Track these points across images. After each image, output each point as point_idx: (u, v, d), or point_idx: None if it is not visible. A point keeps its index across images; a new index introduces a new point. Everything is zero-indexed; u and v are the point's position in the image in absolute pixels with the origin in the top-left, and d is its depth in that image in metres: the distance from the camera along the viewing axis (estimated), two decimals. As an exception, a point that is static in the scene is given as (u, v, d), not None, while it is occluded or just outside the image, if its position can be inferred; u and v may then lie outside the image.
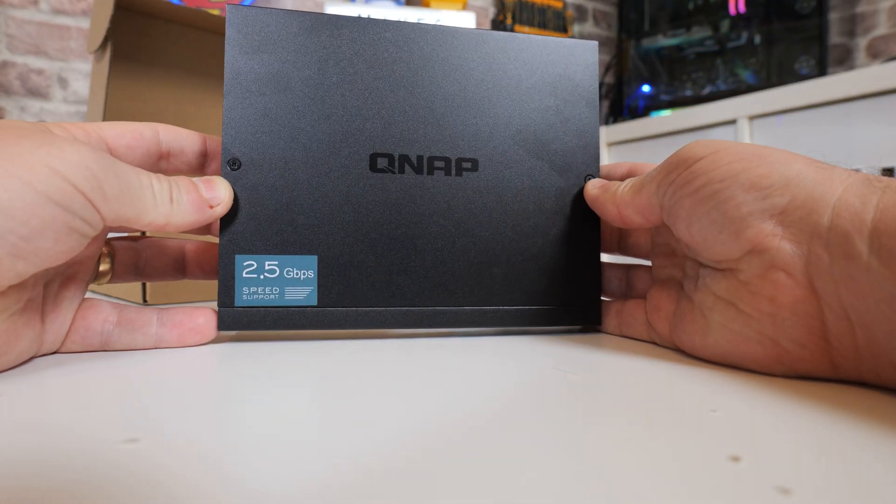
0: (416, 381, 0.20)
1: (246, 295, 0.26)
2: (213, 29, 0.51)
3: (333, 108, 0.27)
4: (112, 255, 0.27)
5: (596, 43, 0.31)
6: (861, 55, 1.68)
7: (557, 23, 1.85)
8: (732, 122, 1.38)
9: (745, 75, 1.71)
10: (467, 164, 0.28)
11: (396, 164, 0.27)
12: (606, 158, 1.69)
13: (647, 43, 1.91)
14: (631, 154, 1.64)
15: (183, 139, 0.27)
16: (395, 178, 0.27)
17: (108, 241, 0.27)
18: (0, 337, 0.20)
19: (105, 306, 0.24)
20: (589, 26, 2.06)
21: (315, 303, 0.26)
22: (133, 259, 0.28)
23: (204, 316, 0.25)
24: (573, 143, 0.30)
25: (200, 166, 0.28)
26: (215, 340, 0.27)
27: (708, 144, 0.23)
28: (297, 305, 0.26)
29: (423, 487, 0.12)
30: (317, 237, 0.26)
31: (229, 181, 0.26)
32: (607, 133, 1.69)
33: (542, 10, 1.83)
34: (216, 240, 0.28)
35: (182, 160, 0.27)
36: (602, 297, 0.30)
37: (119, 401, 0.18)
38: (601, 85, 2.01)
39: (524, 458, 0.13)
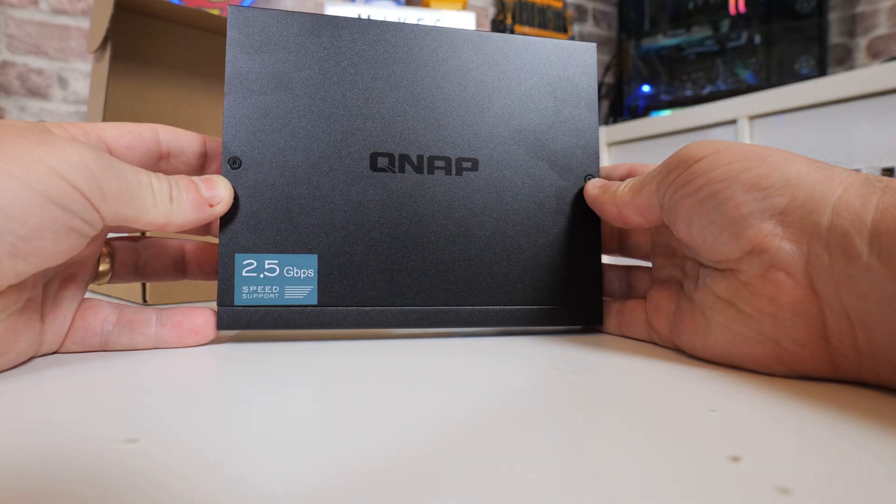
0: (416, 380, 0.20)
1: (246, 294, 0.26)
2: (213, 29, 0.51)
3: (334, 107, 0.27)
4: (112, 256, 0.27)
5: (594, 45, 0.31)
6: (861, 55, 1.68)
7: (557, 23, 1.85)
8: (732, 122, 1.38)
9: (745, 75, 1.71)
10: (467, 164, 0.28)
11: (397, 163, 0.28)
12: (606, 158, 1.69)
13: (647, 43, 1.91)
14: (631, 154, 1.64)
15: (183, 140, 0.27)
16: (395, 178, 0.27)
17: (108, 242, 0.27)
18: (0, 336, 0.20)
19: (104, 306, 0.24)
20: (589, 26, 2.06)
21: (315, 302, 0.26)
22: (133, 259, 0.28)
23: (203, 316, 0.25)
24: (572, 142, 0.30)
25: (200, 167, 0.28)
26: (215, 340, 0.27)
27: (708, 144, 0.23)
28: (296, 304, 0.26)
29: (423, 487, 0.12)
30: (317, 236, 0.26)
31: (229, 180, 0.26)
32: (607, 133, 1.69)
33: (542, 10, 1.83)
34: (216, 240, 0.28)
35: (182, 161, 0.27)
36: (602, 298, 0.30)
37: (119, 401, 0.18)
38: (601, 85, 2.01)
39: (524, 459, 0.13)
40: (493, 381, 0.20)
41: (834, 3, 1.67)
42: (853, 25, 1.69)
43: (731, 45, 1.73)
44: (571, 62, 0.30)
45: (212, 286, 0.33)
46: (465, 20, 1.52)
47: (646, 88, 1.92)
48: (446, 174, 0.28)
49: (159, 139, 0.26)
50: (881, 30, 1.64)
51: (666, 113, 1.73)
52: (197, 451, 0.14)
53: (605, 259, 0.32)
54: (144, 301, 0.38)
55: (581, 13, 2.04)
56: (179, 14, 0.50)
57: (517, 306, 0.28)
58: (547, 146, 0.29)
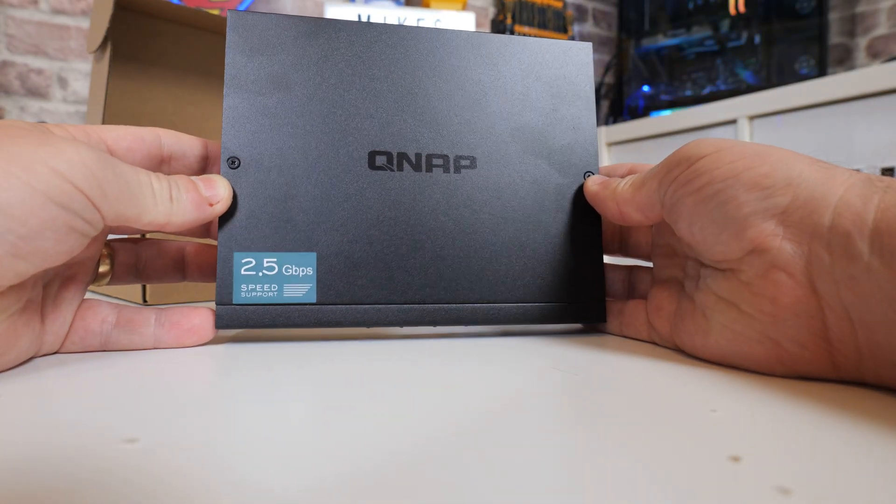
0: (415, 380, 0.20)
1: (244, 292, 0.26)
2: (213, 29, 0.51)
3: (332, 107, 0.27)
4: (112, 257, 0.27)
5: (590, 44, 0.31)
6: (861, 55, 1.68)
7: (557, 23, 1.85)
8: (732, 122, 1.38)
9: (745, 75, 1.71)
10: (465, 162, 0.28)
11: (395, 161, 0.28)
12: (606, 158, 1.69)
13: (647, 43, 1.91)
14: (631, 154, 1.64)
15: (185, 144, 0.27)
16: (393, 176, 0.28)
17: (108, 243, 0.27)
18: (0, 337, 0.20)
19: (104, 307, 0.24)
20: (589, 26, 2.06)
21: (314, 300, 0.26)
22: (133, 260, 0.28)
23: (200, 316, 0.25)
24: (571, 140, 0.30)
25: (202, 171, 0.28)
26: (215, 340, 0.27)
27: (710, 143, 0.23)
28: (295, 303, 0.26)
29: (423, 487, 0.12)
30: (316, 234, 0.26)
31: (228, 180, 0.26)
32: (607, 133, 1.69)
33: (542, 9, 1.83)
34: (216, 242, 0.28)
35: (184, 164, 0.27)
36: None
37: (119, 401, 0.18)
38: (601, 85, 2.01)
39: (524, 459, 0.13)
40: (493, 380, 0.20)
41: (834, 3, 1.67)
42: (853, 25, 1.69)
43: (731, 45, 1.73)
44: (568, 61, 0.30)
45: (212, 286, 0.33)
46: (464, 20, 1.52)
47: (646, 88, 1.92)
48: (444, 172, 0.28)
49: (161, 143, 0.26)
50: (881, 30, 1.64)
51: (666, 113, 1.73)
52: (197, 451, 0.14)
53: (606, 259, 0.32)
54: (144, 301, 0.38)
55: (581, 13, 2.04)
56: (179, 14, 0.50)
57: (519, 303, 0.28)
58: (545, 143, 0.29)
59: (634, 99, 1.94)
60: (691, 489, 0.12)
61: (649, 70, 1.90)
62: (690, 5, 1.81)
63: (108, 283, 0.27)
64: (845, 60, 1.70)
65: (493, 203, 0.28)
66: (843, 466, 0.13)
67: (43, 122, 0.31)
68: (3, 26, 1.22)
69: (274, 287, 0.26)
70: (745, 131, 1.35)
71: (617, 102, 2.01)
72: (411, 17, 1.49)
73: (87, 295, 0.25)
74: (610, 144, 1.70)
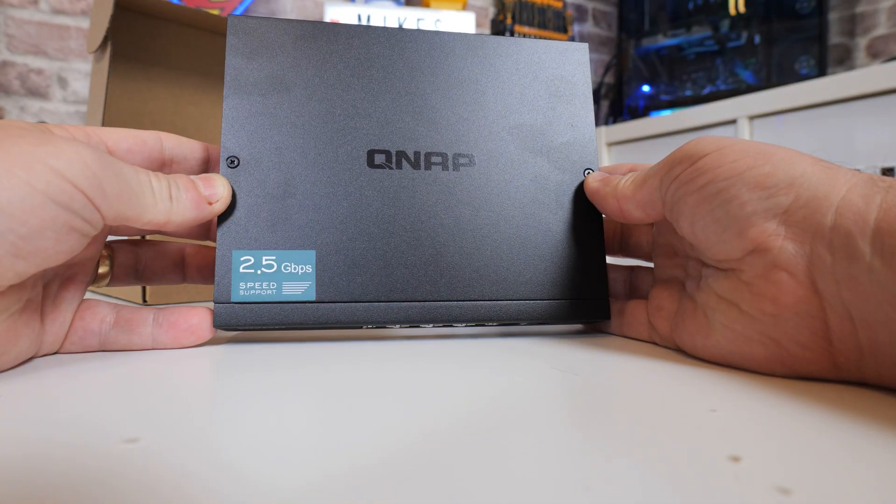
0: (416, 380, 0.20)
1: (243, 290, 0.26)
2: (213, 29, 0.51)
3: (330, 107, 0.28)
4: (111, 258, 0.27)
5: (587, 44, 0.31)
6: (861, 55, 1.68)
7: (557, 23, 1.85)
8: (732, 122, 1.38)
9: (745, 75, 1.71)
10: (464, 160, 0.28)
11: (394, 159, 0.28)
12: (606, 158, 1.69)
13: (647, 43, 1.91)
14: (631, 154, 1.64)
15: (185, 147, 0.27)
16: (392, 174, 0.28)
17: (108, 244, 0.27)
18: (0, 336, 0.20)
19: (102, 307, 0.24)
20: (589, 26, 2.06)
21: (313, 297, 0.26)
22: (132, 261, 0.28)
23: (198, 316, 0.25)
24: (570, 138, 0.30)
25: (202, 174, 0.28)
26: (215, 341, 0.27)
27: (713, 141, 0.23)
28: (295, 301, 0.26)
29: (422, 486, 0.12)
30: (315, 232, 0.26)
31: (228, 179, 0.26)
32: (607, 133, 1.69)
33: (542, 9, 1.83)
34: (216, 244, 0.28)
35: (184, 168, 0.27)
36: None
37: (118, 401, 0.18)
38: (601, 85, 2.01)
39: (524, 458, 0.13)
40: (493, 380, 0.20)
41: (834, 3, 1.67)
42: (853, 25, 1.69)
43: (731, 45, 1.73)
44: (565, 61, 0.31)
45: (212, 288, 0.33)
46: (464, 20, 1.52)
47: (646, 88, 1.92)
48: (443, 170, 0.28)
49: (162, 146, 0.26)
50: (881, 30, 1.64)
51: (666, 113, 1.73)
52: (197, 451, 0.14)
53: (607, 259, 0.32)
54: (144, 302, 0.38)
55: (581, 13, 2.04)
56: (179, 14, 0.50)
57: (520, 301, 0.28)
58: (544, 141, 0.30)
59: (634, 99, 1.94)
60: (691, 489, 0.12)
61: (649, 70, 1.90)
62: (690, 5, 1.81)
63: (108, 284, 0.27)
64: (845, 60, 1.70)
65: (492, 200, 0.28)
66: (843, 466, 0.13)
67: (43, 122, 0.31)
68: (3, 26, 1.22)
69: (273, 285, 0.26)
70: (744, 131, 1.35)
71: (617, 102, 2.01)
72: (411, 16, 1.49)
73: (88, 295, 0.25)
74: (610, 144, 1.70)
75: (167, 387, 0.19)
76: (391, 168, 0.28)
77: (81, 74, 1.29)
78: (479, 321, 0.27)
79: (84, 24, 1.29)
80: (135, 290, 0.39)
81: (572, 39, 1.89)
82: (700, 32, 1.79)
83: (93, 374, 0.21)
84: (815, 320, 0.19)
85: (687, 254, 0.26)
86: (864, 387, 0.19)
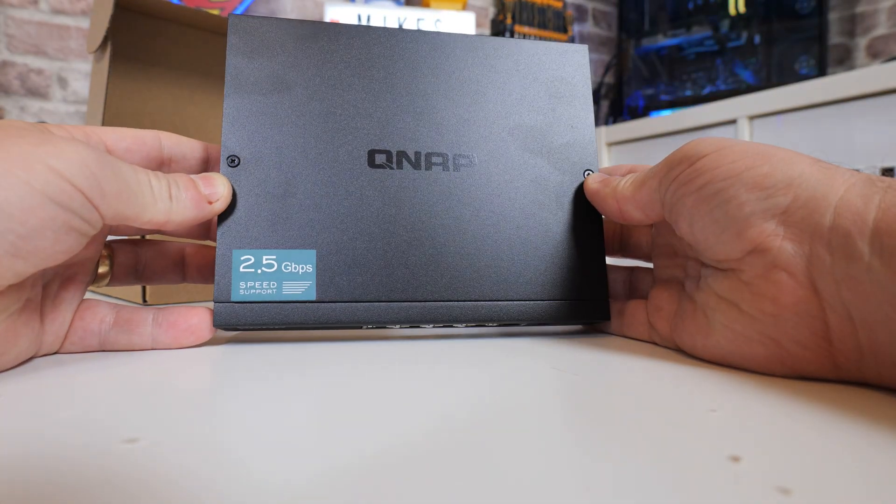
0: (415, 380, 0.20)
1: (243, 290, 0.25)
2: (213, 29, 0.51)
3: (331, 107, 0.28)
4: (111, 258, 0.27)
5: (586, 46, 0.32)
6: (861, 55, 1.68)
7: (557, 23, 1.85)
8: (732, 122, 1.38)
9: (745, 75, 1.71)
10: (465, 160, 0.29)
11: (394, 159, 0.28)
12: (606, 158, 1.69)
13: (647, 43, 1.91)
14: (631, 154, 1.64)
15: (185, 146, 0.27)
16: (393, 174, 0.28)
17: (108, 244, 0.27)
18: (0, 336, 0.20)
19: (102, 307, 0.24)
20: (589, 26, 2.06)
21: (314, 297, 0.26)
22: (132, 261, 0.28)
23: (198, 316, 0.25)
24: (570, 139, 0.30)
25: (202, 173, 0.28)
26: (214, 341, 0.27)
27: (711, 142, 0.23)
28: (295, 300, 0.26)
29: (422, 487, 0.12)
30: (315, 232, 0.26)
31: (228, 178, 0.26)
32: (607, 133, 1.69)
33: (542, 9, 1.83)
34: (216, 244, 0.28)
35: (184, 167, 0.27)
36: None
37: (118, 401, 0.18)
38: (601, 85, 2.01)
39: (524, 458, 0.13)
40: (493, 380, 0.20)
41: (834, 3, 1.67)
42: (853, 25, 1.69)
43: (731, 45, 1.73)
44: (565, 63, 0.31)
45: (212, 287, 0.33)
46: (464, 20, 1.52)
47: (646, 88, 1.92)
48: (444, 170, 0.28)
49: (161, 145, 0.26)
50: (881, 30, 1.64)
51: (666, 113, 1.73)
52: (197, 451, 0.14)
53: (607, 260, 0.32)
54: (144, 302, 0.38)
55: (581, 13, 2.04)
56: (179, 14, 0.50)
57: (520, 301, 0.28)
58: (544, 142, 0.30)
59: (634, 99, 1.94)
60: (691, 489, 0.12)
61: (649, 70, 1.90)
62: (690, 5, 1.81)
63: (108, 284, 0.27)
64: (845, 60, 1.70)
65: (493, 200, 0.28)
66: (843, 466, 0.13)
67: (43, 122, 0.31)
68: (3, 26, 1.22)
69: (273, 284, 0.26)
70: (744, 131, 1.35)
71: (617, 102, 2.01)
72: (411, 16, 1.49)
73: (87, 295, 0.25)
74: (610, 144, 1.70)
75: (167, 387, 0.19)
76: (392, 168, 0.28)
77: (81, 74, 1.29)
78: (480, 321, 0.27)
79: (84, 24, 1.29)
80: (135, 290, 0.39)
81: (572, 39, 1.89)
82: (700, 32, 1.79)
83: (92, 374, 0.21)
84: (815, 320, 0.19)
85: (686, 254, 0.26)
86: (864, 387, 0.19)
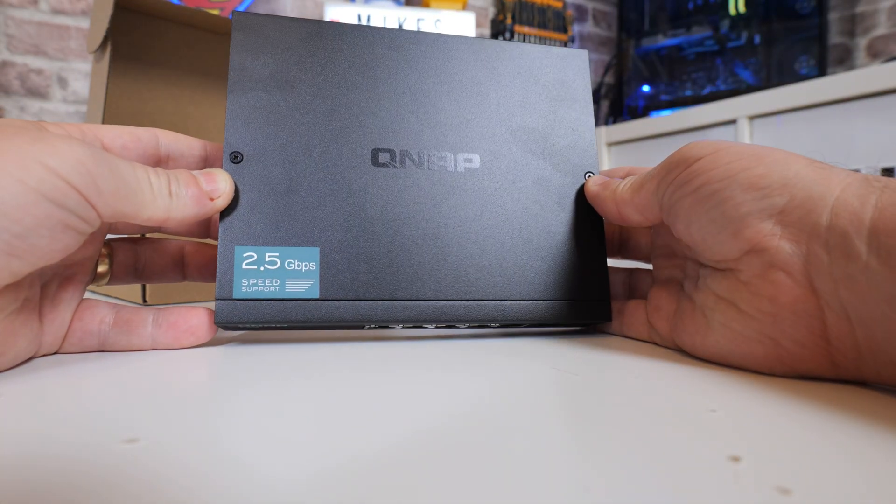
0: (416, 379, 0.20)
1: (245, 287, 0.25)
2: (213, 29, 0.51)
3: (335, 105, 0.28)
4: (111, 256, 0.27)
5: (586, 51, 0.32)
6: (861, 55, 1.68)
7: (557, 23, 1.85)
8: (732, 122, 1.38)
9: (745, 75, 1.71)
10: (468, 160, 0.29)
11: (398, 158, 0.28)
12: (606, 158, 1.69)
13: (647, 43, 1.91)
14: (631, 154, 1.64)
15: (183, 144, 0.27)
16: (397, 173, 0.28)
17: (107, 242, 0.27)
18: (-1, 336, 0.20)
19: (102, 307, 0.24)
20: (589, 26, 2.06)
21: (317, 295, 0.26)
22: (132, 260, 0.27)
23: (198, 317, 0.25)
24: (571, 141, 0.30)
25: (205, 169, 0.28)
26: (214, 341, 0.27)
27: (707, 144, 0.23)
28: (298, 298, 0.26)
29: (422, 486, 0.12)
30: (319, 229, 0.26)
31: (231, 174, 0.26)
32: (607, 133, 1.69)
33: (542, 9, 1.83)
34: (216, 242, 0.28)
35: (182, 165, 0.27)
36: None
37: (118, 401, 0.17)
38: (601, 85, 2.01)
39: (523, 458, 0.13)
40: (493, 380, 0.20)
41: (834, 3, 1.67)
42: (853, 25, 1.69)
43: (731, 45, 1.73)
44: (566, 67, 0.31)
45: (213, 286, 0.33)
46: (464, 20, 1.52)
47: (646, 88, 1.92)
48: (448, 170, 0.28)
49: (159, 142, 0.26)
50: (881, 30, 1.64)
51: (666, 113, 1.73)
52: (197, 451, 0.14)
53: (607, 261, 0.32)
54: (144, 301, 0.38)
55: (581, 13, 2.04)
56: (179, 14, 0.50)
57: (523, 301, 0.28)
58: (546, 144, 0.30)
59: (634, 99, 1.94)
60: (691, 489, 0.12)
61: (649, 70, 1.90)
62: (690, 5, 1.81)
63: (108, 283, 0.27)
64: (845, 60, 1.70)
65: (496, 201, 0.29)
66: (843, 466, 0.13)
67: (41, 121, 0.31)
68: (3, 26, 1.22)
69: (276, 282, 0.25)
70: (744, 131, 1.35)
71: (617, 102, 2.01)
72: (411, 16, 1.49)
73: (87, 295, 0.25)
74: (610, 144, 1.70)
75: (167, 387, 0.19)
76: (395, 167, 0.28)
77: (81, 74, 1.29)
78: (482, 321, 0.27)
79: (84, 24, 1.29)
80: (135, 290, 0.39)
81: (572, 39, 1.89)
82: (700, 32, 1.79)
83: (92, 374, 0.21)
84: (813, 319, 0.19)
85: (685, 255, 0.26)
86: (864, 386, 0.19)
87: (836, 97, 1.18)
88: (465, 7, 1.62)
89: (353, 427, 0.15)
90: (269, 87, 0.27)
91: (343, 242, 0.26)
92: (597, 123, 1.92)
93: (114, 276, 0.27)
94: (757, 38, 1.69)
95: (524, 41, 1.78)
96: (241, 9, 1.46)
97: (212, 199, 0.24)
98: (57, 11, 1.27)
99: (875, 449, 0.14)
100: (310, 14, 1.58)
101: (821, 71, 1.57)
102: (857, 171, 0.20)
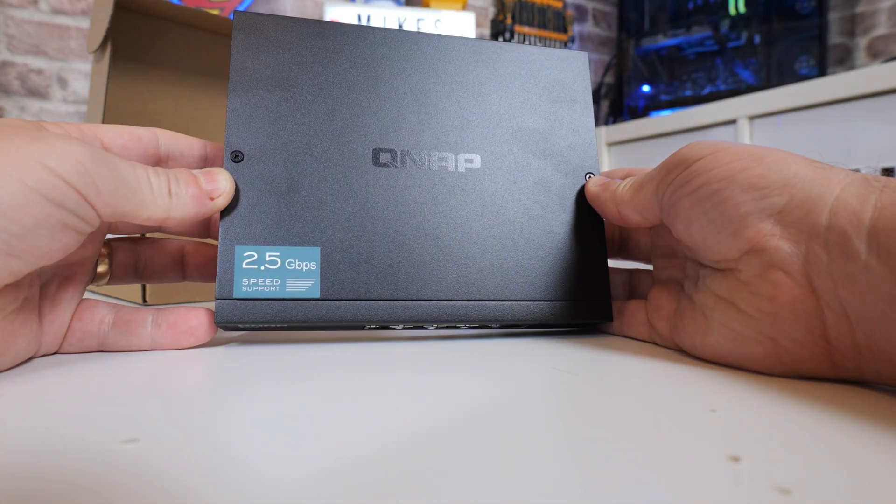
0: (416, 380, 0.20)
1: (245, 286, 0.25)
2: (213, 29, 0.51)
3: (336, 105, 0.28)
4: (110, 256, 0.27)
5: (586, 53, 0.32)
6: (861, 55, 1.68)
7: (557, 23, 1.85)
8: (732, 122, 1.38)
9: (745, 75, 1.71)
10: (469, 161, 0.29)
11: (399, 158, 0.28)
12: (606, 158, 1.69)
13: (647, 43, 1.91)
14: (631, 154, 1.64)
15: (183, 144, 0.27)
16: (397, 173, 0.28)
17: (107, 242, 0.27)
18: (-2, 336, 0.20)
19: (101, 307, 0.24)
20: (589, 26, 2.06)
21: (318, 295, 0.26)
22: (132, 260, 0.27)
23: (198, 317, 0.25)
24: (571, 142, 0.30)
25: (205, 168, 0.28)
26: (214, 342, 0.26)
27: (707, 145, 0.23)
28: (298, 298, 0.26)
29: (422, 485, 0.12)
30: (320, 229, 0.26)
31: (231, 173, 0.26)
32: (607, 133, 1.69)
33: (542, 9, 1.83)
34: (216, 242, 0.28)
35: (181, 164, 0.27)
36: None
37: (118, 401, 0.17)
38: (601, 85, 2.01)
39: (523, 458, 0.13)
40: (492, 380, 0.20)
41: (834, 3, 1.67)
42: (853, 25, 1.69)
43: (731, 45, 1.73)
44: (566, 68, 0.32)
45: (213, 286, 0.33)
46: (464, 20, 1.52)
47: (646, 88, 1.92)
48: (449, 170, 0.28)
49: (158, 142, 0.26)
50: (881, 30, 1.64)
51: (666, 113, 1.73)
52: (196, 452, 0.14)
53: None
54: (144, 301, 0.38)
55: (581, 13, 2.04)
56: (179, 14, 0.50)
57: (524, 301, 0.28)
58: (546, 145, 0.30)
59: (634, 99, 1.94)
60: (691, 489, 0.12)
61: (649, 70, 1.90)
62: (690, 5, 1.81)
63: (107, 283, 0.27)
64: (845, 60, 1.70)
65: (497, 201, 0.29)
66: (843, 466, 0.13)
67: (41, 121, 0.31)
68: (3, 26, 1.22)
69: (276, 281, 0.25)
70: (744, 131, 1.35)
71: (617, 102, 2.01)
72: (411, 16, 1.49)
73: (87, 295, 0.25)
74: (610, 144, 1.70)
75: (167, 387, 0.19)
76: (396, 167, 0.28)
77: (81, 74, 1.29)
78: (483, 321, 0.27)
79: (84, 24, 1.29)
80: (134, 290, 0.39)
81: (572, 39, 1.89)
82: (700, 32, 1.79)
83: (92, 374, 0.21)
84: (812, 319, 0.19)
85: (684, 255, 0.26)
86: (863, 386, 0.19)
87: (836, 97, 1.18)
88: (465, 7, 1.62)
89: (353, 427, 0.15)
90: (270, 87, 0.27)
91: (344, 242, 0.26)
92: (597, 123, 1.92)
93: (114, 276, 0.27)
94: (757, 38, 1.69)
95: (524, 41, 1.78)
96: (241, 9, 1.47)
97: (212, 199, 0.24)
98: (57, 11, 1.27)
99: (875, 449, 0.14)
100: (310, 14, 1.58)
101: (821, 71, 1.57)
102: (857, 171, 0.20)
